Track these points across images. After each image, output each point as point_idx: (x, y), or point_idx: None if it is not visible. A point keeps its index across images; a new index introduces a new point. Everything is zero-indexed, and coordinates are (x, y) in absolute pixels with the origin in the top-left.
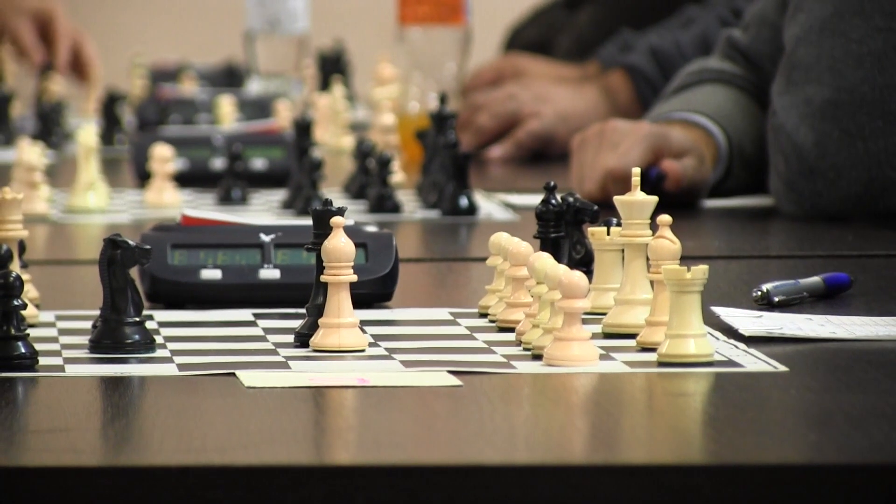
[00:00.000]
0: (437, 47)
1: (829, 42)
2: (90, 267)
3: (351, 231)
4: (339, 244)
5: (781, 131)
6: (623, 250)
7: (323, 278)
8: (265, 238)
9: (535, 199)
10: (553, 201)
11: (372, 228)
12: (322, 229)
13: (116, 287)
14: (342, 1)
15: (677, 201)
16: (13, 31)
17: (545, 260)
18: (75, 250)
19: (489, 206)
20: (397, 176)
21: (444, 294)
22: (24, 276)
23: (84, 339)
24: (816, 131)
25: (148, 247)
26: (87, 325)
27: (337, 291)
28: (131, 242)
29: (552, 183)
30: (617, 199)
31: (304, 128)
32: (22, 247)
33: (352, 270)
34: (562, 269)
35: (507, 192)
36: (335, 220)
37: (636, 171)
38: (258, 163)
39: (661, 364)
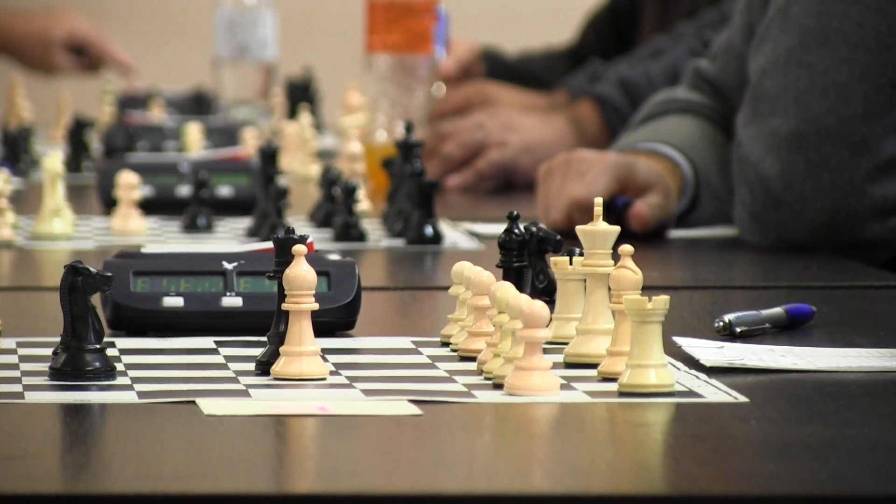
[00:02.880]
0: (404, 76)
1: (794, 73)
2: (54, 293)
3: (313, 259)
4: (300, 272)
5: (747, 162)
6: (585, 280)
7: (284, 306)
8: (228, 266)
9: (500, 229)
10: (516, 230)
11: (335, 256)
12: (284, 257)
13: (77, 314)
14: (311, 29)
15: (642, 232)
16: (58, 67)
17: (507, 289)
18: (40, 277)
19: (454, 234)
20: (363, 204)
21: (406, 323)
22: None
23: (45, 366)
24: (782, 162)
25: (109, 274)
26: (48, 351)
27: (298, 319)
28: (92, 269)
29: (515, 212)
30: (579, 228)
31: (270, 155)
32: None
33: (313, 299)
34: (523, 299)
35: (473, 221)
36: (297, 248)
37: (599, 201)
38: (224, 190)
39: (621, 394)
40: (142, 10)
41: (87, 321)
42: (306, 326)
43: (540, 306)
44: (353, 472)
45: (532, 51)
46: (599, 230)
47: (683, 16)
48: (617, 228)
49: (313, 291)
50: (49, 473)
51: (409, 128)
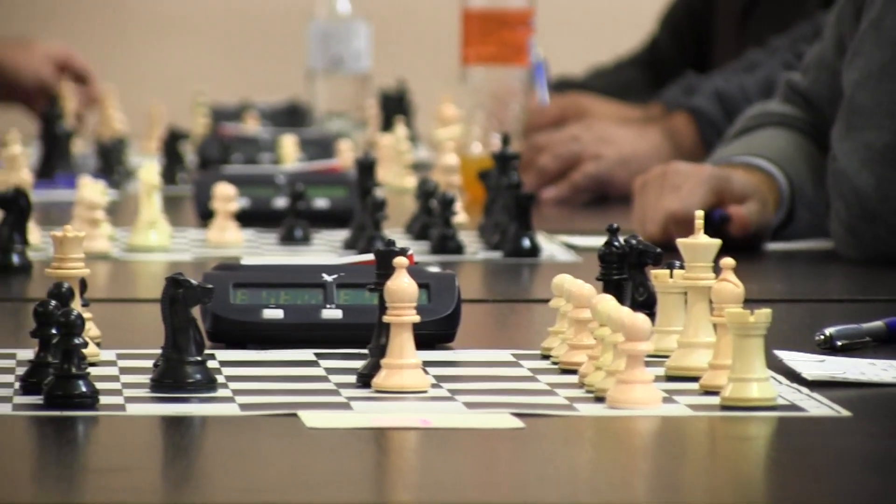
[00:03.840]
0: (500, 88)
1: (887, 87)
2: (151, 305)
3: (413, 271)
4: (402, 285)
5: (842, 176)
6: (686, 293)
7: (385, 319)
8: (327, 278)
9: (597, 241)
10: (616, 243)
11: (434, 269)
12: (385, 269)
13: (178, 326)
14: (405, 41)
15: (739, 245)
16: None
17: (608, 302)
18: (136, 289)
19: (551, 247)
20: (460, 216)
21: (506, 335)
22: (86, 315)
23: (145, 378)
24: (877, 175)
25: (210, 286)
26: (148, 363)
27: (400, 332)
28: (193, 281)
29: (615, 225)
30: (680, 241)
31: (367, 167)
32: (83, 285)
33: (415, 311)
34: (625, 312)
35: (569, 233)
36: (398, 260)
37: (699, 214)
38: (320, 202)
39: (723, 408)
40: (236, 23)
41: (188, 333)
42: (407, 339)
43: (642, 319)
44: (454, 485)
45: (602, 65)
46: (701, 243)
47: (762, 16)
48: (718, 241)
49: (414, 304)
50: (151, 486)
51: (505, 140)
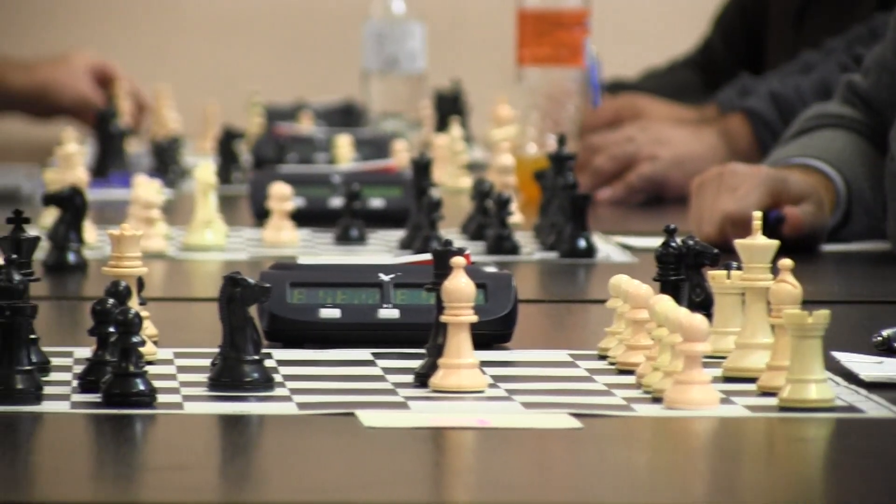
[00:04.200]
0: (555, 88)
1: None
2: (207, 304)
3: (470, 271)
4: (459, 284)
5: None
6: (743, 294)
7: (443, 319)
8: (384, 277)
9: (653, 242)
10: (673, 244)
11: (491, 269)
12: (443, 269)
13: (236, 325)
14: (460, 41)
15: (796, 246)
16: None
17: (666, 303)
18: (192, 288)
19: (607, 247)
20: (515, 217)
21: (562, 335)
22: (143, 313)
23: (202, 377)
24: None
25: (268, 285)
26: (205, 362)
27: (457, 332)
28: (251, 281)
29: (672, 226)
30: (738, 242)
31: (423, 167)
32: (140, 284)
33: (472, 311)
34: (682, 313)
35: (624, 234)
36: (456, 260)
37: (758, 215)
38: (376, 202)
39: (781, 409)
40: (291, 23)
41: (246, 332)
42: (465, 339)
43: (699, 320)
44: (512, 485)
45: (655, 67)
46: (758, 244)
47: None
48: (776, 242)
49: (472, 304)
50: (209, 484)
51: (561, 140)
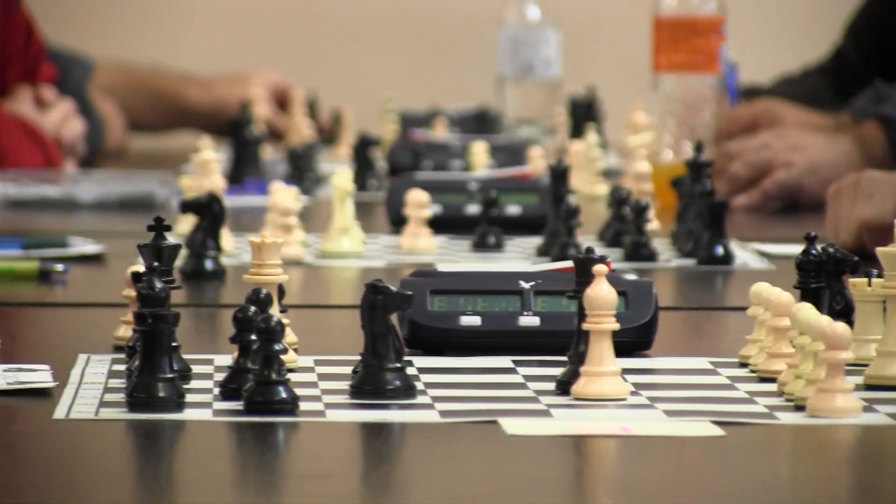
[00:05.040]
0: (691, 95)
1: None
2: (345, 311)
3: (611, 279)
4: (601, 292)
5: None
6: (884, 301)
7: (585, 326)
8: (525, 285)
9: (789, 249)
10: (814, 251)
11: (632, 276)
12: (585, 277)
13: (377, 332)
14: (595, 48)
15: None
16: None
17: (808, 311)
18: (330, 295)
19: (744, 254)
20: (652, 224)
21: (702, 343)
22: (284, 321)
23: (343, 385)
24: None
25: (410, 293)
26: (346, 370)
27: (599, 339)
28: (393, 288)
29: (812, 233)
30: (880, 250)
31: (560, 174)
32: (281, 291)
33: (614, 318)
34: (825, 321)
35: (761, 241)
36: (598, 268)
37: None
38: (512, 209)
39: None
40: (425, 29)
41: (388, 340)
42: (607, 346)
43: (842, 328)
44: (655, 493)
45: (789, 73)
46: None
47: None
48: None
49: (614, 311)
50: (352, 492)
51: (698, 147)
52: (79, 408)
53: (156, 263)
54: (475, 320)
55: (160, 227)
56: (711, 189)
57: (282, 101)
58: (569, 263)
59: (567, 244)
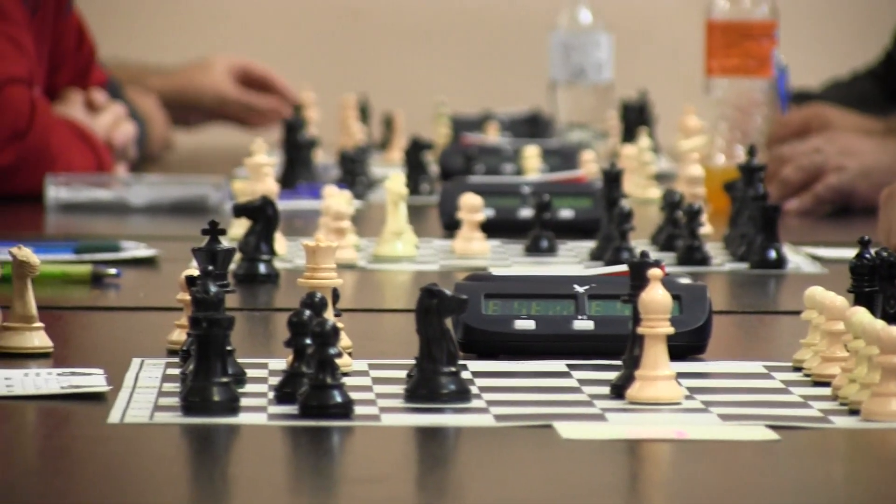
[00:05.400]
0: (743, 99)
1: None
2: (399, 315)
3: (665, 283)
4: (657, 296)
5: None
6: None
7: (640, 330)
8: (579, 289)
9: (842, 253)
10: (867, 255)
11: (685, 280)
12: (639, 281)
13: (432, 336)
14: (646, 52)
15: None
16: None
17: (863, 315)
18: (383, 299)
19: (796, 258)
20: (705, 227)
21: (756, 347)
22: (338, 325)
23: (397, 389)
24: None
25: (464, 297)
26: (400, 373)
27: (654, 343)
28: (448, 292)
29: (867, 237)
30: None
31: (613, 178)
32: (336, 295)
33: (669, 323)
34: (880, 325)
35: (813, 245)
36: (653, 272)
37: None
38: (565, 212)
39: None
40: (477, 33)
41: (442, 344)
42: (661, 350)
43: None
44: (710, 497)
45: (839, 77)
46: None
47: None
48: None
49: (668, 315)
50: (407, 496)
51: (751, 151)
52: (133, 412)
53: (210, 267)
54: (529, 324)
55: (215, 231)
56: (764, 193)
57: (248, 82)
58: (623, 267)
59: (620, 248)
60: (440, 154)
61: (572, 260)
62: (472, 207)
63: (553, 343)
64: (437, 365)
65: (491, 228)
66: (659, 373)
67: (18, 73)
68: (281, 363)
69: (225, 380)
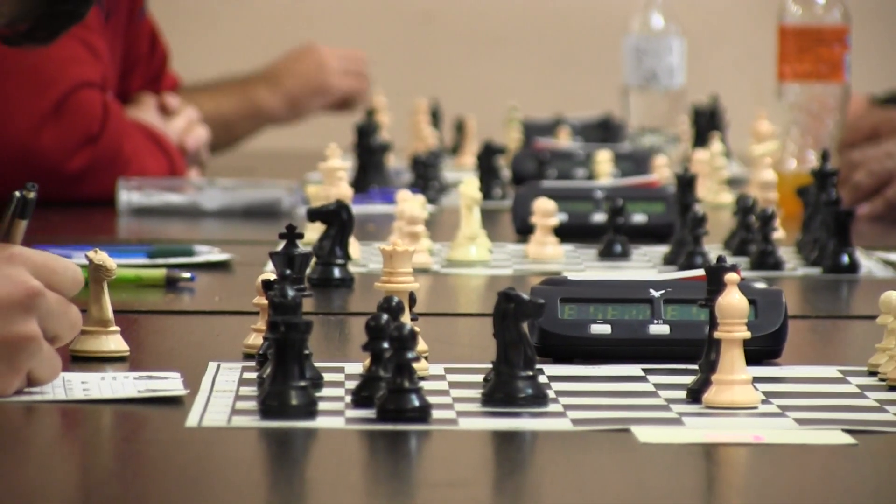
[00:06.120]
0: (815, 104)
1: None
2: (473, 319)
3: (741, 287)
4: (733, 301)
5: None
6: None
7: (717, 335)
8: (655, 293)
9: None
10: None
11: (761, 285)
12: (716, 285)
13: (509, 341)
14: (718, 57)
15: None
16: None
17: None
18: (458, 303)
19: (869, 263)
20: (778, 232)
21: (830, 351)
22: (415, 329)
23: (474, 393)
24: None
25: (542, 301)
26: (476, 378)
27: (730, 348)
28: (525, 297)
29: None
30: None
31: (687, 183)
32: (412, 299)
33: (745, 327)
34: None
35: (885, 249)
36: (730, 276)
37: None
38: (638, 217)
39: None
40: (549, 37)
41: (519, 348)
42: (738, 355)
43: None
44: (788, 501)
45: None
46: None
47: None
48: None
49: (745, 320)
50: (485, 500)
51: (824, 156)
52: (211, 416)
53: (288, 271)
54: (605, 328)
55: (292, 235)
56: (837, 198)
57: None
58: (698, 272)
59: (694, 253)
60: (512, 159)
61: (645, 265)
62: (546, 212)
63: (629, 347)
64: (514, 369)
65: (564, 233)
66: (735, 377)
67: (91, 78)
68: (357, 367)
69: (303, 383)
